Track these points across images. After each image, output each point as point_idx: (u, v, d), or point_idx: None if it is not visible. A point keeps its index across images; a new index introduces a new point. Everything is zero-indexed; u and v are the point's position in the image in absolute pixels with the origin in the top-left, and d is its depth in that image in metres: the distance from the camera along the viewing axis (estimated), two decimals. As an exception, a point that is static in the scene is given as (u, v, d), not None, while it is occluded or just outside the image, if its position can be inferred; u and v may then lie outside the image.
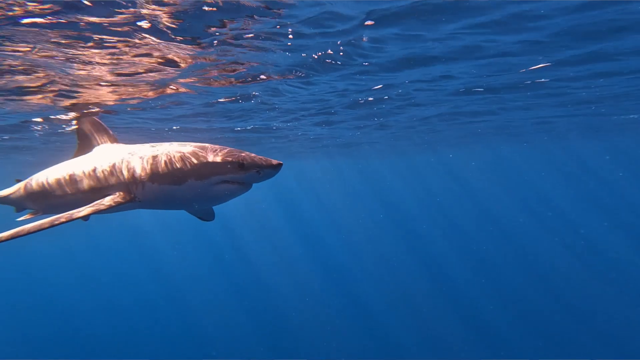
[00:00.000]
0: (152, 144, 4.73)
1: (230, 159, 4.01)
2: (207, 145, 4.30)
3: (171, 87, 8.33)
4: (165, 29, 5.20)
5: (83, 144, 5.75)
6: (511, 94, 11.37)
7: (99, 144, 5.54)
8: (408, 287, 26.67)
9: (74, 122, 10.96)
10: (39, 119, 10.85)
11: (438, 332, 19.90)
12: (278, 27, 5.42)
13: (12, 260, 39.54)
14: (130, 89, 8.28)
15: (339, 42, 6.24)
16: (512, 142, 26.28)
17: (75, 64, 6.50)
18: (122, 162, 4.51)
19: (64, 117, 10.37)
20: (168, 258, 40.87)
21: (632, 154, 37.88)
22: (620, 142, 30.62)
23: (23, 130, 12.40)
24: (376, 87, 9.70)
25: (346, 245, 41.05)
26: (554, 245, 34.44)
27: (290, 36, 5.80)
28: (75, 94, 8.28)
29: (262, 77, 8.01)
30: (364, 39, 6.16)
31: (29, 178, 6.16)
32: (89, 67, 6.73)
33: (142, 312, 26.33)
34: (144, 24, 5.01)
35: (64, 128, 11.93)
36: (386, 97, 10.99)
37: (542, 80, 9.86)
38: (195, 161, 4.09)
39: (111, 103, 9.32)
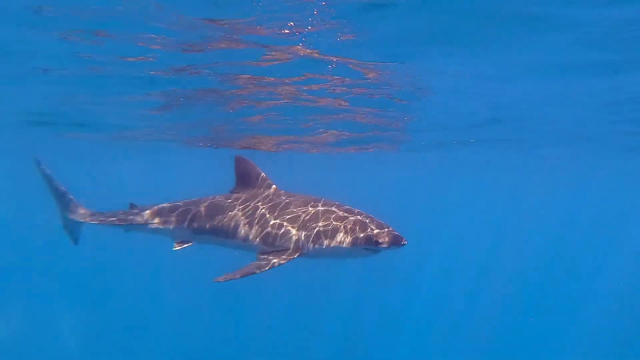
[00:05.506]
0: (319, 202, 5.95)
1: (378, 239, 5.24)
2: (362, 216, 5.60)
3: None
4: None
5: (241, 182, 6.75)
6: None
7: (259, 187, 6.60)
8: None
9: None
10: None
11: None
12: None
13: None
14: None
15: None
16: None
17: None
18: (304, 226, 5.67)
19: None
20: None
21: None
22: None
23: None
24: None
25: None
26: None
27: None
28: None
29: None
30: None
31: (179, 205, 6.90)
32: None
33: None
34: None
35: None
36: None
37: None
38: (356, 235, 5.39)
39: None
